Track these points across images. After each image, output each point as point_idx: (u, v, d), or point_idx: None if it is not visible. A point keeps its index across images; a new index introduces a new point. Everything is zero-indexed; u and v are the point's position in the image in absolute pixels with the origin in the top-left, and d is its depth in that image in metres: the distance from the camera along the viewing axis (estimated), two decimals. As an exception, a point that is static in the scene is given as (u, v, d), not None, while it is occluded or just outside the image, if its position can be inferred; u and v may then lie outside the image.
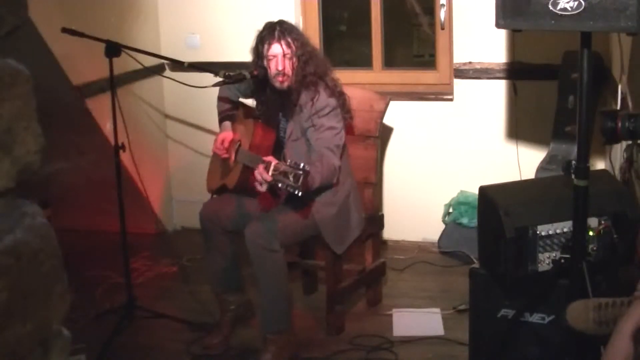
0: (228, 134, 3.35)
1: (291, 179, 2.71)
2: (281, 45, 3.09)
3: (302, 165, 2.71)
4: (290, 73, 3.11)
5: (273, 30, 3.12)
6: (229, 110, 3.44)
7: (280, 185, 2.76)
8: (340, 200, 3.23)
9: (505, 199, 2.61)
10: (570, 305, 2.04)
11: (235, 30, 4.38)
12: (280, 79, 3.12)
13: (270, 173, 2.78)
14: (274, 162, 2.82)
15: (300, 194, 2.71)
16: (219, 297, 3.35)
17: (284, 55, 3.09)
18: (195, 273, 4.07)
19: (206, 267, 3.49)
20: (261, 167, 2.83)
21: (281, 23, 3.16)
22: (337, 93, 3.18)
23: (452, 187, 4.24)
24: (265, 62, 3.13)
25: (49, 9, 3.41)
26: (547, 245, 2.56)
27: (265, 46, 3.12)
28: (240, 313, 3.38)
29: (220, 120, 3.44)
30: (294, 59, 3.10)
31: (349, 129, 3.33)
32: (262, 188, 2.89)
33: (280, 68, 3.09)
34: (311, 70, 3.12)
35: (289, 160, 2.79)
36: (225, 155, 3.33)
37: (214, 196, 3.43)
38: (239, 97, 3.48)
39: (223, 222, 3.23)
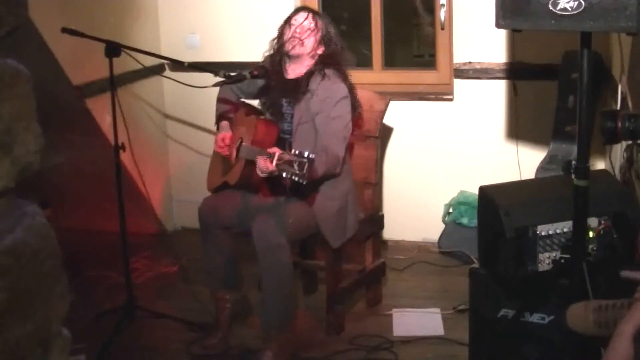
0: (227, 133, 3.36)
1: (296, 167, 2.72)
2: (307, 16, 3.23)
3: (306, 153, 2.73)
4: (302, 42, 3.19)
5: (305, 7, 3.35)
6: (228, 112, 3.45)
7: (284, 174, 2.77)
8: (340, 195, 3.23)
9: (505, 199, 2.60)
10: (570, 307, 2.04)
11: (235, 30, 4.38)
12: (292, 43, 3.19)
13: (274, 163, 2.79)
14: (278, 152, 2.83)
15: (304, 182, 2.73)
16: (215, 295, 3.33)
17: (305, 23, 3.21)
18: (195, 273, 4.05)
19: (203, 263, 3.47)
20: (262, 157, 2.87)
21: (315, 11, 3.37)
22: (350, 84, 3.23)
23: (452, 187, 4.24)
24: (285, 29, 3.25)
25: (49, 9, 3.41)
26: (547, 245, 2.55)
27: (293, 14, 3.28)
28: (237, 310, 3.36)
29: (217, 120, 3.45)
30: (314, 35, 3.20)
31: (356, 124, 3.33)
32: (264, 175, 2.95)
33: (298, 31, 3.19)
34: (327, 53, 3.22)
35: (293, 150, 2.80)
36: (227, 153, 3.34)
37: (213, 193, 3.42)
38: (240, 98, 3.49)
39: (222, 218, 3.22)
